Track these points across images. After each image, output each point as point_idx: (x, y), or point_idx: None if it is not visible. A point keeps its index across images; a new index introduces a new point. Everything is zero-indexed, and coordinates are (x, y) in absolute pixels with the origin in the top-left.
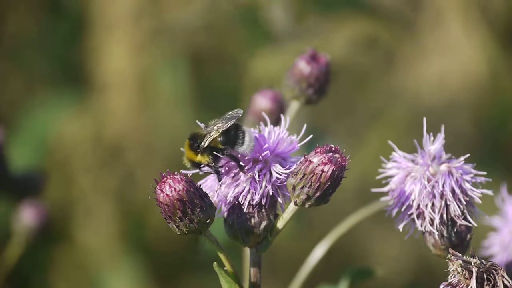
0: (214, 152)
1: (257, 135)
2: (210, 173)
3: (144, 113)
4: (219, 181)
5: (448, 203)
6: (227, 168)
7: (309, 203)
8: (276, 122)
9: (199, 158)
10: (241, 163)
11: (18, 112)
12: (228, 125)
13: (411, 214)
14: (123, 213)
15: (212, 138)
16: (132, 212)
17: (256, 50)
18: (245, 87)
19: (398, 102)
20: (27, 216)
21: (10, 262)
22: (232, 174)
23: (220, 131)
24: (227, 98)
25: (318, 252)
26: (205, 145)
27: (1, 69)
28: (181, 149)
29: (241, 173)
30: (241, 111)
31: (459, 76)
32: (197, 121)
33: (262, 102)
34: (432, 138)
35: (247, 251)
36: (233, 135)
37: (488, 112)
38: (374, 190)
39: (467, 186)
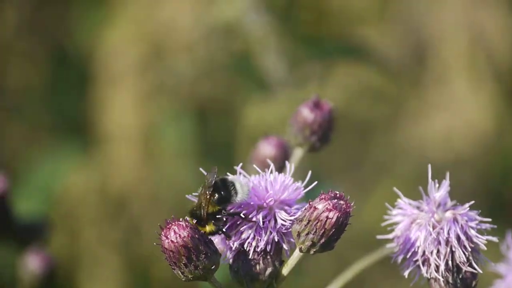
0: (217, 217)
1: (262, 182)
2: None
3: (149, 165)
4: (229, 239)
5: (454, 249)
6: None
7: (314, 250)
8: (280, 169)
9: (208, 229)
10: (242, 214)
11: (22, 163)
12: (211, 188)
13: (417, 260)
14: (128, 265)
15: (206, 207)
16: (137, 264)
17: (250, 98)
18: (240, 136)
19: (403, 157)
20: (32, 263)
21: None
22: (238, 222)
23: (208, 197)
24: (227, 147)
25: None
26: (205, 216)
27: (5, 120)
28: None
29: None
30: (215, 168)
31: (465, 132)
32: (200, 169)
33: (266, 149)
34: (437, 185)
35: None
36: (223, 192)
37: (493, 168)
38: (379, 237)
39: (472, 232)
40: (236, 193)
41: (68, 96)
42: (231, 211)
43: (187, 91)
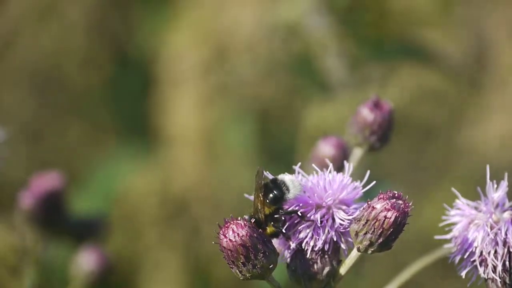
0: (274, 217)
1: (320, 181)
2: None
3: (210, 167)
4: (289, 240)
5: (511, 250)
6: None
7: (372, 249)
8: (339, 169)
9: (269, 231)
10: (300, 213)
11: (84, 164)
12: (262, 189)
13: (474, 261)
14: (188, 266)
15: (262, 209)
16: (197, 266)
17: (311, 99)
18: (301, 137)
19: (462, 159)
20: (86, 260)
21: None
22: (296, 221)
23: (262, 199)
24: (288, 148)
25: None
26: (263, 219)
27: (68, 122)
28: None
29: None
30: (262, 168)
31: None
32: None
33: (325, 148)
34: (495, 186)
35: None
36: (275, 191)
37: None
38: (437, 237)
39: None
40: (288, 189)
41: (131, 98)
42: (288, 209)
43: (248, 93)
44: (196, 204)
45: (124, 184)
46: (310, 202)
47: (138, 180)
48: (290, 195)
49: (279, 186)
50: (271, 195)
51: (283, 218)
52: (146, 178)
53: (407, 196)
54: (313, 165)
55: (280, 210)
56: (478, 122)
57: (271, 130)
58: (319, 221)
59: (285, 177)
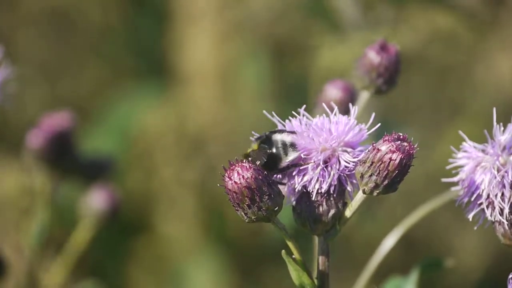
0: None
1: (326, 124)
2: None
3: (226, 105)
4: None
5: None
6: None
7: (377, 191)
8: (346, 112)
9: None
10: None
11: (100, 102)
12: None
13: (481, 204)
14: (204, 205)
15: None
16: (212, 204)
17: (324, 40)
18: (314, 77)
19: (479, 96)
20: (96, 199)
21: (79, 246)
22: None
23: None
24: (301, 88)
25: (389, 241)
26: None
27: (84, 61)
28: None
29: (310, 162)
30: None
31: None
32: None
33: (332, 92)
34: (502, 128)
35: (316, 239)
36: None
37: None
38: (444, 180)
39: None
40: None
41: (147, 36)
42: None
43: (263, 32)
44: (212, 141)
45: (140, 122)
46: (316, 144)
47: (155, 118)
48: (290, 158)
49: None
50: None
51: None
52: (162, 116)
53: (412, 138)
54: (320, 108)
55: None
56: (492, 60)
57: (285, 68)
58: (322, 163)
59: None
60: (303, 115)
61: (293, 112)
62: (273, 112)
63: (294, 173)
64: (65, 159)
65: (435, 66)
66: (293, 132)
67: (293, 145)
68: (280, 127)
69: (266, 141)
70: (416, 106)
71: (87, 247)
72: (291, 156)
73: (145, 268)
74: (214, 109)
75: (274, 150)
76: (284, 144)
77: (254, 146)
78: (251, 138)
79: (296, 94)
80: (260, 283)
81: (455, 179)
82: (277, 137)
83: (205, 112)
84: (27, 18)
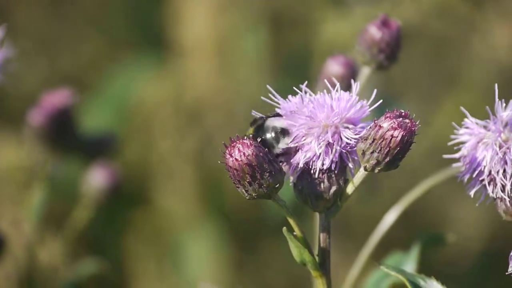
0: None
1: (327, 100)
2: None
3: (224, 77)
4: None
5: None
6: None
7: (379, 168)
8: (348, 88)
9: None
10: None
11: (98, 75)
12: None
13: (483, 180)
14: (202, 177)
15: None
16: (211, 176)
17: (326, 13)
18: (316, 51)
19: (477, 67)
20: (97, 177)
21: (80, 224)
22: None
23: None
24: (302, 61)
25: (390, 217)
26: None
27: (82, 32)
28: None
29: (312, 139)
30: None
31: None
32: (268, 86)
33: (333, 67)
34: (504, 105)
35: (317, 216)
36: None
37: None
38: (446, 156)
39: None
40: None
41: (145, 8)
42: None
43: (262, 3)
44: (210, 113)
45: (138, 95)
46: (317, 121)
47: (153, 90)
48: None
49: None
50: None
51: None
52: (160, 88)
53: (414, 115)
54: (321, 84)
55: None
56: (489, 30)
57: (285, 41)
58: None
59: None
60: (305, 92)
61: (295, 88)
62: (273, 91)
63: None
64: (66, 137)
65: (433, 39)
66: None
67: (284, 132)
68: (279, 106)
69: (261, 126)
70: (414, 80)
71: (87, 224)
72: (282, 144)
73: (144, 241)
74: (212, 81)
75: (267, 136)
76: (276, 132)
77: (250, 130)
78: (253, 113)
79: (296, 67)
80: (259, 256)
81: (456, 155)
82: (270, 123)
83: (203, 84)
84: None
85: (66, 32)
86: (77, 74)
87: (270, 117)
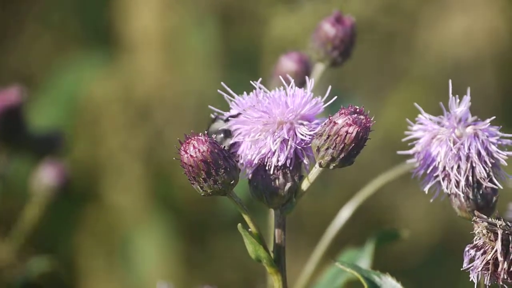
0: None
1: (282, 97)
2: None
3: (173, 73)
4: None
5: (474, 165)
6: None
7: (334, 165)
8: (301, 84)
9: None
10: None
11: (47, 72)
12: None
13: (437, 176)
14: (151, 172)
15: None
16: (160, 172)
17: (276, 9)
18: (265, 46)
19: (423, 60)
20: (47, 175)
21: (30, 222)
22: (255, 137)
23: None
24: (252, 57)
25: (344, 213)
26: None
27: (31, 29)
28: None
29: (267, 135)
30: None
31: (484, 34)
32: (222, 83)
33: (287, 64)
34: (458, 100)
35: (272, 212)
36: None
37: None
38: (399, 152)
39: (493, 148)
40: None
41: (93, 4)
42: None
43: None
44: (158, 109)
45: (87, 91)
46: (272, 117)
47: (101, 86)
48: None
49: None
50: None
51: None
52: (108, 84)
53: (368, 111)
54: (275, 80)
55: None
56: (438, 22)
57: (235, 36)
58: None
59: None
60: (260, 88)
61: (251, 83)
62: (227, 87)
63: (250, 146)
64: (15, 134)
65: (381, 34)
66: (234, 116)
67: (226, 132)
68: (229, 103)
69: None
70: (364, 74)
71: (38, 222)
72: (225, 144)
73: (94, 238)
74: (160, 76)
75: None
76: (218, 134)
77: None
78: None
79: (246, 62)
80: (211, 252)
81: (410, 151)
82: (213, 127)
83: (151, 79)
84: None
85: (14, 28)
86: (26, 71)
87: (212, 122)
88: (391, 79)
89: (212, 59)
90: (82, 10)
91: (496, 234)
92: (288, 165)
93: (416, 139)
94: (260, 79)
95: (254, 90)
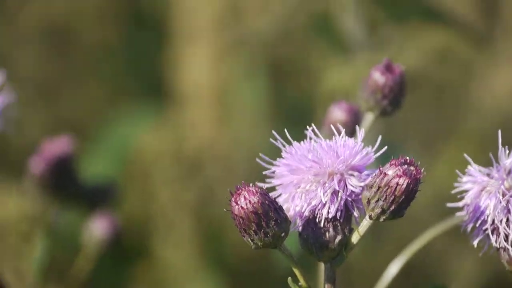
0: None
1: (333, 145)
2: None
3: (224, 126)
4: None
5: None
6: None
7: (384, 217)
8: (351, 134)
9: None
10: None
11: (97, 123)
12: None
13: (486, 229)
14: (202, 228)
15: None
16: (211, 228)
17: (328, 60)
18: (318, 98)
19: (475, 114)
20: (98, 228)
21: (81, 274)
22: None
23: None
24: (303, 109)
25: (393, 268)
26: None
27: (82, 80)
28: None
29: (317, 186)
30: None
31: None
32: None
33: (337, 114)
34: (507, 152)
35: (321, 266)
36: None
37: None
38: (449, 205)
39: None
40: None
41: (146, 56)
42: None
43: (264, 52)
44: (209, 164)
45: (137, 144)
46: (323, 169)
47: (152, 139)
48: None
49: None
50: None
51: None
52: (159, 137)
53: (419, 162)
54: (325, 130)
55: None
56: (490, 74)
57: (286, 89)
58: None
59: None
60: (310, 138)
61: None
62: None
63: (299, 197)
64: (67, 185)
65: (434, 85)
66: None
67: None
68: (283, 151)
69: None
70: (414, 125)
71: (88, 275)
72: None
73: None
74: (212, 130)
75: None
76: None
77: None
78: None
79: (297, 116)
80: None
81: (460, 203)
82: None
83: (202, 133)
84: (25, 35)
85: (66, 77)
86: (77, 121)
87: None
88: (444, 132)
89: (263, 112)
90: (134, 62)
91: None
92: (338, 217)
93: (465, 191)
94: (312, 126)
95: (305, 139)
